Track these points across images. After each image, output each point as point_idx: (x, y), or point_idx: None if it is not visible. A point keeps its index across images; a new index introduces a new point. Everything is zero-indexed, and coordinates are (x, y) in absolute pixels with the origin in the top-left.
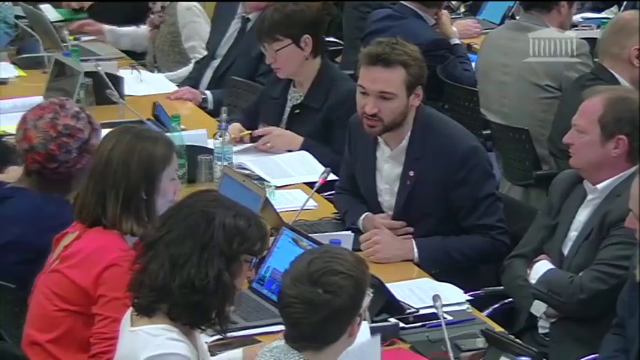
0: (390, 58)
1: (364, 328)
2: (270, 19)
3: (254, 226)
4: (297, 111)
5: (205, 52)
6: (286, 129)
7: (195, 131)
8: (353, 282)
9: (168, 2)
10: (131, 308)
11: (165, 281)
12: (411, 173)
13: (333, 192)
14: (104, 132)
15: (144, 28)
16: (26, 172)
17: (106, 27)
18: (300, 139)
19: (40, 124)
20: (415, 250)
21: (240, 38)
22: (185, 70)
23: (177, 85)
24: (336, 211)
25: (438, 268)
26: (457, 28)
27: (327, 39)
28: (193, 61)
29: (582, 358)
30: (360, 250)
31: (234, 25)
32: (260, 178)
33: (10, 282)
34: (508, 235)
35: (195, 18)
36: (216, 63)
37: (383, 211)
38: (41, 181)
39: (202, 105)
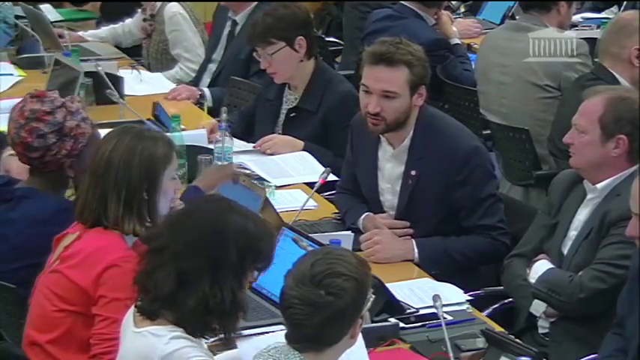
0: (393, 57)
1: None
2: (263, 23)
3: (266, 241)
4: (293, 114)
5: (191, 59)
6: (283, 132)
7: (195, 131)
8: (355, 284)
9: (157, 9)
10: (133, 308)
11: (171, 292)
12: (413, 173)
13: (333, 192)
14: (104, 132)
15: (128, 22)
16: (29, 171)
17: (84, 34)
18: (301, 143)
19: (13, 115)
20: (415, 250)
21: (230, 42)
22: (173, 72)
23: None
24: (336, 211)
25: (438, 268)
26: (457, 28)
27: (327, 39)
28: (177, 68)
29: (582, 357)
30: (361, 250)
31: (226, 30)
32: (260, 178)
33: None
34: (509, 236)
35: (177, 26)
36: (213, 67)
37: (384, 211)
38: (41, 178)
39: (200, 102)
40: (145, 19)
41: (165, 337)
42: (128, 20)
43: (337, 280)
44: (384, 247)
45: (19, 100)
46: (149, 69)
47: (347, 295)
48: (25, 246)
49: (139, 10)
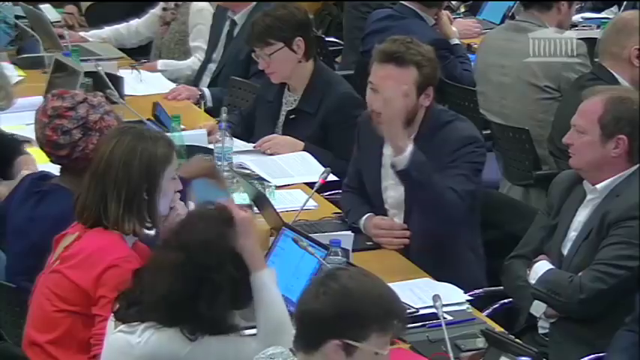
0: (404, 57)
1: None
2: (261, 24)
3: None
4: (293, 116)
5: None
6: (282, 134)
7: (195, 131)
8: (344, 300)
9: (182, 1)
10: (112, 315)
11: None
12: None
13: (333, 192)
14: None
15: (134, 22)
16: (60, 170)
17: (85, 34)
18: (301, 144)
19: (37, 117)
20: (410, 146)
21: (229, 42)
22: (182, 64)
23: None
24: (336, 211)
25: (417, 172)
26: (457, 28)
27: (327, 39)
28: (192, 57)
29: (582, 358)
30: (361, 250)
31: (225, 30)
32: (260, 178)
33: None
34: (478, 224)
35: (204, 20)
36: (212, 67)
37: (385, 209)
38: (72, 176)
39: (200, 102)
40: (165, 9)
41: (137, 330)
42: (134, 20)
43: (333, 284)
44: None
45: (21, 99)
46: (159, 57)
47: (328, 303)
48: (41, 243)
49: (150, 10)
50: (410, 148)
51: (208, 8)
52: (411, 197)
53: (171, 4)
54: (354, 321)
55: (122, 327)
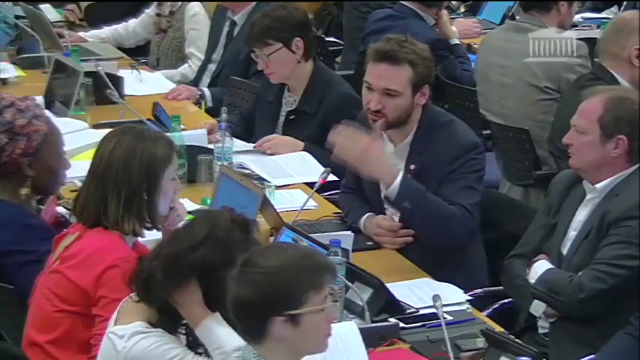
0: (397, 55)
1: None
2: (260, 24)
3: None
4: (293, 117)
5: (202, 59)
6: (282, 134)
7: (195, 131)
8: (270, 280)
9: (177, 7)
10: (115, 314)
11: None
12: (412, 167)
13: (333, 192)
14: (104, 132)
15: (132, 22)
16: None
17: (85, 34)
18: (301, 144)
19: None
20: (400, 175)
21: (229, 42)
22: (174, 72)
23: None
24: (336, 211)
25: (409, 200)
26: (457, 28)
27: (327, 39)
28: (186, 65)
29: (582, 357)
30: (361, 250)
31: (225, 30)
32: (260, 178)
33: None
34: (478, 227)
35: (196, 25)
36: (212, 67)
37: (384, 208)
38: (1, 181)
39: (200, 102)
40: (159, 14)
41: (125, 335)
42: (131, 21)
43: (253, 270)
44: (373, 154)
45: None
46: (157, 64)
47: (257, 289)
48: None
49: (145, 10)
50: (399, 178)
51: (202, 12)
52: (409, 222)
53: (166, 11)
54: (287, 293)
55: (114, 328)
